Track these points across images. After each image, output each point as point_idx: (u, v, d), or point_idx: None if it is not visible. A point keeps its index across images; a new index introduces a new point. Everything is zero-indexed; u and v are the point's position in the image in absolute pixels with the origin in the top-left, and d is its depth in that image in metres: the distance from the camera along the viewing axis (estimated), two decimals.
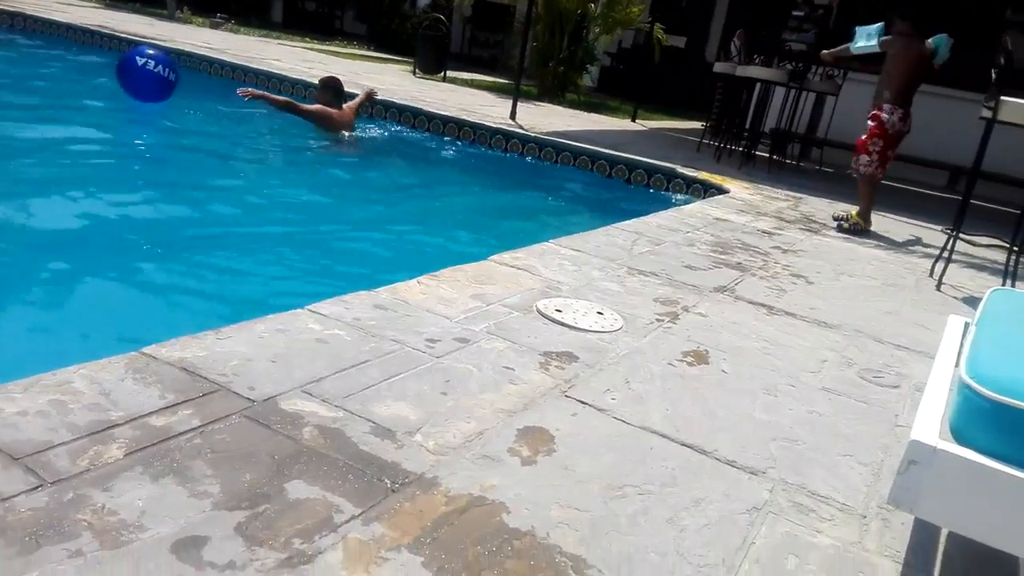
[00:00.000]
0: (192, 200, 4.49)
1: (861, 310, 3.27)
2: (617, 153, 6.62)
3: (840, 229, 5.07)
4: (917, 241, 5.21)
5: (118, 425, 1.47)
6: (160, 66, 5.96)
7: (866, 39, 5.15)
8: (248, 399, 1.65)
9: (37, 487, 1.25)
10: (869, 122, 4.95)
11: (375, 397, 1.76)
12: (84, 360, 1.68)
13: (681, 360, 2.34)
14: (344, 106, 6.40)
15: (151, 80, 5.94)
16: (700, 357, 2.39)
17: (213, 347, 1.86)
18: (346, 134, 6.33)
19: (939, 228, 5.38)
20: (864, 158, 4.96)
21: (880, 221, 5.78)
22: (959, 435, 1.16)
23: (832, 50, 5.74)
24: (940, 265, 4.02)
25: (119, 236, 3.67)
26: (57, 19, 9.96)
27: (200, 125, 6.52)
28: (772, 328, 2.81)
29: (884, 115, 4.88)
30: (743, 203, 5.54)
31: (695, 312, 2.84)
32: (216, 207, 4.51)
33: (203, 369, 1.74)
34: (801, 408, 2.13)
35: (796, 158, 8.50)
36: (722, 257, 3.79)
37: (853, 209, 5.20)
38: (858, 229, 5.06)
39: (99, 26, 9.93)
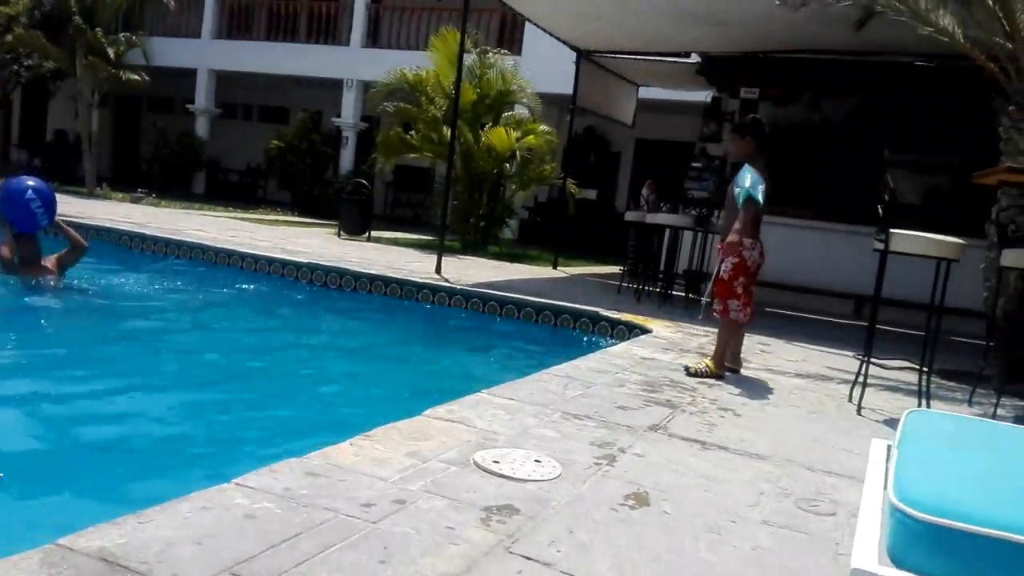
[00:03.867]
0: (103, 374, 4.34)
1: (789, 439, 3.34)
2: (542, 300, 6.80)
3: (688, 373, 4.50)
4: (833, 368, 5.43)
5: None
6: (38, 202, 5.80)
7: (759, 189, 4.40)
8: None
9: None
10: (727, 260, 4.47)
11: (308, 574, 1.67)
12: None
13: (622, 504, 2.32)
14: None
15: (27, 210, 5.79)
16: (640, 499, 2.38)
17: (134, 532, 1.75)
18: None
19: (851, 354, 5.63)
20: (735, 303, 4.50)
21: (795, 351, 6.03)
22: (897, 559, 1.18)
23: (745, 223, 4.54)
24: (857, 390, 4.18)
25: (24, 419, 3.49)
26: None
27: (120, 295, 6.41)
28: (708, 464, 2.83)
29: (746, 252, 4.44)
30: (666, 341, 5.70)
31: (631, 453, 2.85)
32: (131, 378, 4.36)
33: (123, 558, 1.63)
34: (745, 545, 2.12)
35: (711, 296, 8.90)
36: (652, 395, 3.86)
37: (706, 358, 4.65)
38: (708, 374, 4.49)
39: None
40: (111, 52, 15.27)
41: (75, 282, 6.20)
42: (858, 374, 4.24)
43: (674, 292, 8.23)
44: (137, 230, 8.88)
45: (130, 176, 20.16)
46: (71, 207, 10.82)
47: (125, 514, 1.82)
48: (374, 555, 1.79)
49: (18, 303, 5.68)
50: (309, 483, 2.17)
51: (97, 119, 15.78)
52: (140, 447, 3.30)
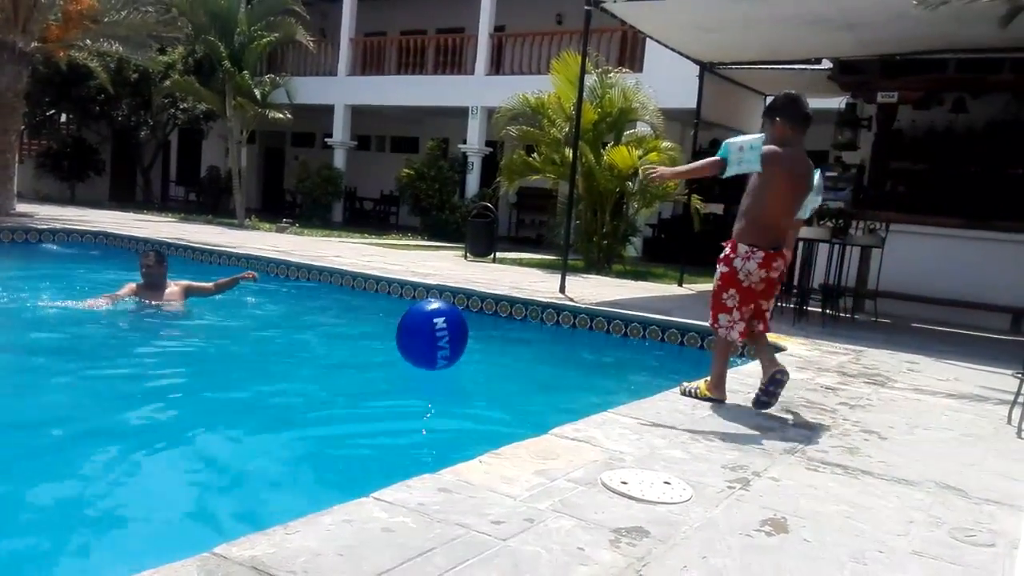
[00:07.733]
0: (251, 393, 4.64)
1: (941, 464, 3.11)
2: (668, 318, 6.68)
3: (682, 392, 3.92)
4: (989, 388, 5.01)
5: None
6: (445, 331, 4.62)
7: (748, 157, 3.56)
8: None
9: None
10: (718, 266, 3.78)
11: None
12: (158, 562, 1.70)
13: (759, 530, 2.24)
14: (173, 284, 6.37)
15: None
16: (779, 526, 2.29)
17: (282, 543, 1.86)
18: (152, 303, 6.20)
19: (1010, 372, 5.18)
20: (725, 317, 3.77)
21: (946, 369, 5.62)
22: None
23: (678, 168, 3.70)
24: (1017, 411, 3.85)
25: (179, 434, 3.78)
26: (136, 235, 10.83)
27: (257, 321, 6.85)
28: (850, 489, 2.69)
29: (737, 261, 3.68)
30: (802, 359, 5.46)
31: (767, 476, 2.75)
32: (278, 397, 4.64)
33: (273, 567, 1.74)
34: None
35: (850, 311, 8.45)
36: (788, 417, 3.71)
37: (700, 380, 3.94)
38: (698, 395, 3.86)
39: (176, 238, 10.77)
40: (257, 93, 16.42)
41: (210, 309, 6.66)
42: (1018, 394, 3.90)
43: (809, 308, 7.87)
44: (283, 258, 9.47)
45: (276, 207, 21.56)
46: (224, 238, 11.71)
47: (273, 526, 1.95)
48: (505, 572, 1.82)
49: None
50: (442, 499, 2.24)
51: (245, 155, 17.01)
52: (280, 462, 3.51)
